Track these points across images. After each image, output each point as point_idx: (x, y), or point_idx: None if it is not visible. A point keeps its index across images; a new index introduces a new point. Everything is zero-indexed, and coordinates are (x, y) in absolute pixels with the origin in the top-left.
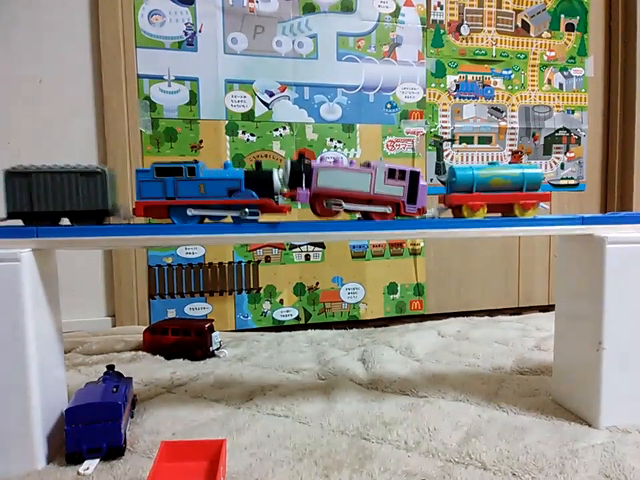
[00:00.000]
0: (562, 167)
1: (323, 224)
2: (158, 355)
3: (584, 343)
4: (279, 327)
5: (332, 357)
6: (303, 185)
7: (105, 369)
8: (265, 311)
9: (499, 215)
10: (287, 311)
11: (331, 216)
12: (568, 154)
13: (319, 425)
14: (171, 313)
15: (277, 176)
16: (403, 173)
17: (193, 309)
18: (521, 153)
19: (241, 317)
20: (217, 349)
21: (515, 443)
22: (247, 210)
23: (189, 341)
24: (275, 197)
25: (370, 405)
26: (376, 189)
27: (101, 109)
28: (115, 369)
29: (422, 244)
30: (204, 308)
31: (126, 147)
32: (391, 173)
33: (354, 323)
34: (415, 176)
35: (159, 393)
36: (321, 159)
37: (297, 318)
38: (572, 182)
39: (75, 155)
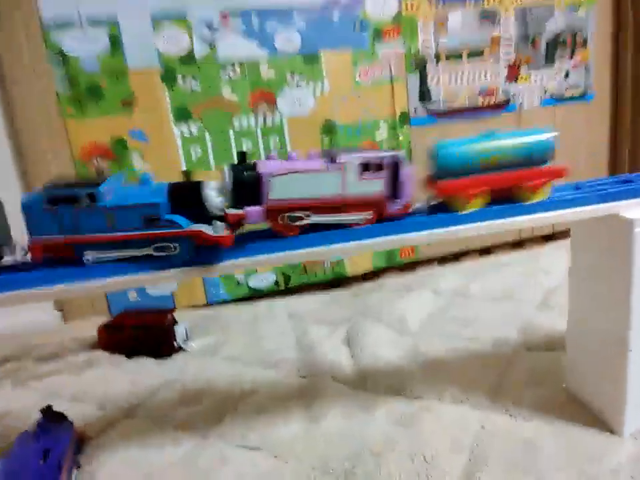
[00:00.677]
0: (566, 75)
1: (283, 243)
2: (117, 354)
3: (605, 336)
4: (255, 296)
5: (314, 339)
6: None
7: (42, 411)
8: (239, 279)
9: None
10: (263, 277)
11: (295, 233)
12: (573, 60)
13: (297, 460)
14: (132, 296)
15: (211, 190)
16: (379, 164)
17: (155, 287)
18: (519, 63)
19: (212, 289)
20: (184, 341)
21: (526, 471)
22: (172, 245)
23: (151, 337)
24: (211, 219)
25: (357, 420)
26: (349, 189)
27: (0, 71)
28: (53, 409)
29: None
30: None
31: (41, 113)
32: (365, 168)
33: (339, 281)
34: (397, 164)
35: (115, 419)
36: (269, 158)
37: (276, 283)
38: (578, 92)
39: None
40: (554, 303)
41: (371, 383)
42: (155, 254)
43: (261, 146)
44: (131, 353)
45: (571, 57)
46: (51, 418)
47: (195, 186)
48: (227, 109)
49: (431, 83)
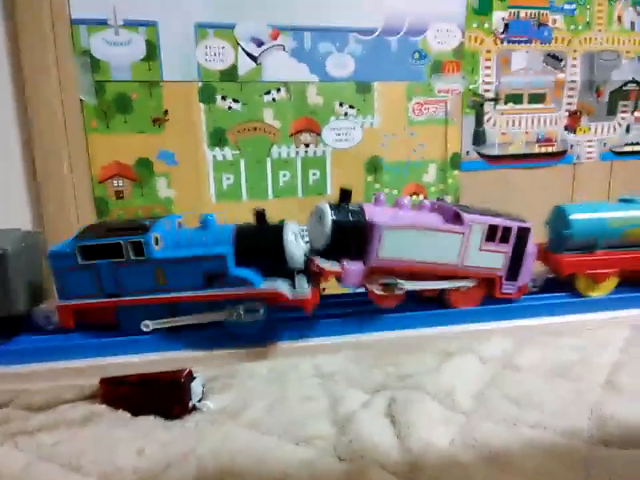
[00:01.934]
0: (627, 129)
1: (377, 320)
2: (121, 410)
3: None
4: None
5: (350, 408)
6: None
7: None
8: None
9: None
10: None
11: (390, 303)
12: (636, 113)
13: None
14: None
15: (292, 235)
16: (507, 231)
17: None
18: (580, 113)
19: None
20: (199, 401)
21: None
22: (240, 310)
23: (163, 394)
24: (297, 274)
25: None
26: (467, 259)
27: (18, 72)
28: None
29: None
30: None
31: (60, 126)
32: (491, 232)
33: None
34: (523, 235)
35: None
36: (376, 201)
37: None
38: (639, 148)
39: None
40: (620, 384)
41: (425, 477)
42: (217, 319)
43: (299, 178)
44: (137, 410)
45: (634, 110)
46: None
47: (274, 231)
48: (266, 135)
49: (487, 124)
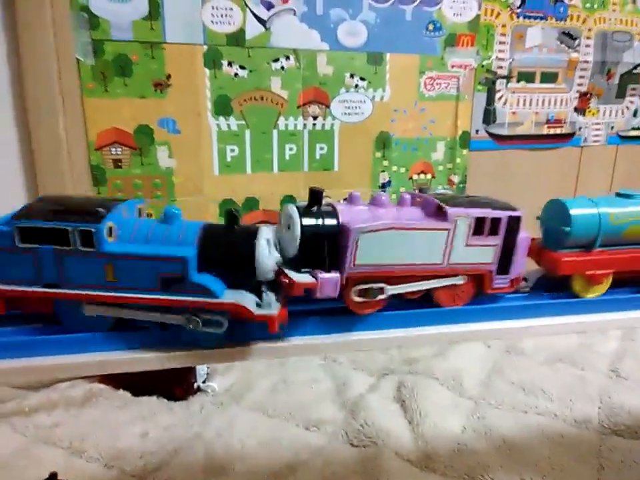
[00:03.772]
0: (635, 113)
1: (353, 322)
2: (121, 390)
3: None
4: None
5: (357, 391)
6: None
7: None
8: None
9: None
10: None
11: (370, 310)
12: None
13: None
14: None
15: (264, 243)
16: (496, 222)
17: None
18: (590, 95)
19: None
20: (204, 382)
21: None
22: (197, 319)
23: (167, 375)
24: (265, 286)
25: None
26: (453, 257)
27: (12, 27)
28: (58, 477)
29: None
30: None
31: (55, 86)
32: (479, 225)
33: None
34: (514, 225)
35: None
36: (351, 199)
37: None
38: None
39: None
40: (625, 372)
41: (440, 463)
42: (172, 322)
43: (306, 152)
44: (138, 391)
45: None
46: None
47: (245, 237)
48: (273, 105)
49: (498, 103)
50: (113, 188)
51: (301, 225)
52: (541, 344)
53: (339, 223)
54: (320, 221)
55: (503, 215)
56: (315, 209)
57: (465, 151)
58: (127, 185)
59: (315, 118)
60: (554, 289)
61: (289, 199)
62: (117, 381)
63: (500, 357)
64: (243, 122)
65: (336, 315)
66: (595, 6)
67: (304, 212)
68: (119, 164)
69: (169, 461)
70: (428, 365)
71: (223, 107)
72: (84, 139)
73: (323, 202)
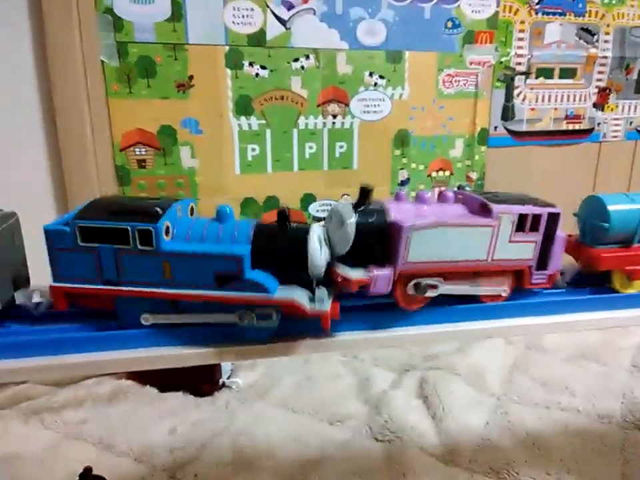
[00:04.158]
0: None
1: (401, 317)
2: (148, 387)
3: None
4: None
5: (380, 387)
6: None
7: (81, 476)
8: None
9: None
10: None
11: (418, 306)
12: None
13: None
14: None
15: (317, 242)
16: (537, 218)
17: None
18: (609, 90)
19: None
20: (228, 378)
21: None
22: (253, 314)
23: (192, 371)
24: (317, 284)
25: None
26: (496, 252)
27: (39, 30)
28: (93, 471)
29: None
30: None
31: (81, 88)
32: (521, 222)
33: None
34: (553, 221)
35: None
36: (397, 197)
37: None
38: None
39: (6, 104)
40: None
41: (465, 459)
42: (226, 320)
43: (326, 151)
44: (164, 388)
45: None
46: None
47: (298, 235)
48: (294, 104)
49: (516, 99)
50: (137, 188)
51: (354, 223)
52: (562, 340)
53: (389, 220)
54: (370, 219)
55: (544, 211)
56: (364, 206)
57: (483, 148)
58: (150, 185)
59: (334, 117)
60: (592, 284)
61: (309, 197)
62: (143, 377)
63: (521, 354)
64: (264, 121)
65: (378, 311)
66: (614, 1)
67: (355, 209)
68: (143, 164)
69: (197, 456)
70: (449, 361)
71: (244, 106)
72: (109, 139)
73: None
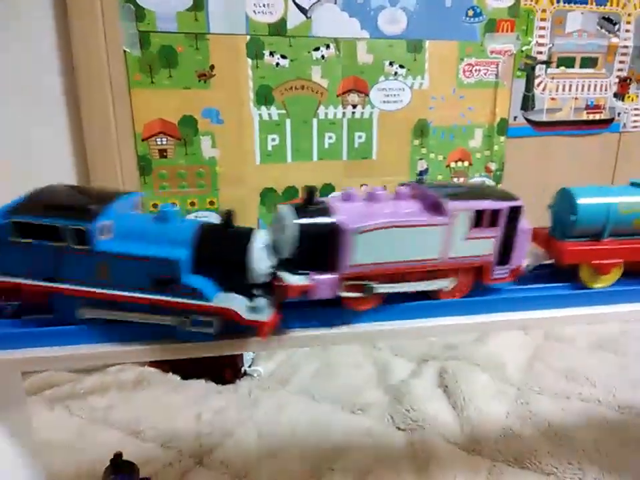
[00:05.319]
0: None
1: (347, 315)
2: (170, 374)
3: None
4: None
5: (399, 377)
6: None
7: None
8: None
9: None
10: None
11: (368, 307)
12: None
13: None
14: None
15: (258, 246)
16: (496, 213)
17: None
18: (630, 80)
19: None
20: (249, 366)
21: None
22: (188, 320)
23: (215, 359)
24: (257, 290)
25: None
26: (451, 250)
27: (63, 20)
28: (123, 457)
29: None
30: None
31: (105, 78)
32: (478, 218)
33: None
34: (515, 215)
35: (185, 469)
36: (346, 196)
37: None
38: None
39: (31, 94)
40: None
41: (488, 449)
42: (163, 322)
43: (345, 141)
44: (187, 374)
45: None
46: (120, 469)
47: (238, 239)
48: (314, 94)
49: (537, 89)
50: (159, 178)
51: (295, 225)
52: (581, 331)
53: (332, 221)
54: (314, 220)
55: (503, 205)
56: (309, 208)
57: (502, 138)
58: (171, 175)
59: (354, 106)
60: (562, 278)
61: (328, 187)
62: (167, 365)
63: (540, 344)
64: (284, 111)
65: (329, 307)
66: None
67: (298, 211)
68: (164, 154)
69: (223, 442)
70: (468, 351)
71: (264, 96)
72: (131, 129)
73: (318, 199)
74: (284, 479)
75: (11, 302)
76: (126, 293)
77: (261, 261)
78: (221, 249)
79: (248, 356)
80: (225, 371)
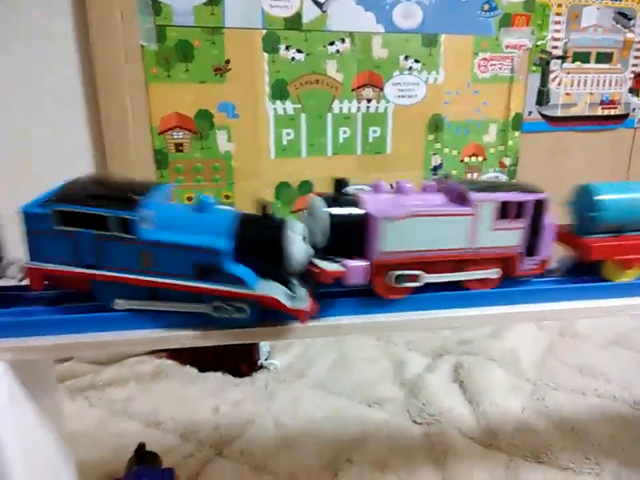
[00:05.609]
0: None
1: (381, 305)
2: (188, 367)
3: None
4: None
5: (415, 371)
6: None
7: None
8: None
9: None
10: None
11: (400, 295)
12: None
13: None
14: None
15: (295, 235)
16: (521, 205)
17: None
18: None
19: None
20: (266, 359)
21: None
22: (227, 307)
23: (232, 352)
24: (293, 278)
25: None
26: (479, 241)
27: (81, 14)
28: (146, 448)
29: None
30: None
31: (123, 72)
32: (505, 210)
33: None
34: (540, 207)
35: (206, 459)
36: (375, 188)
37: None
38: None
39: (51, 88)
40: None
41: (504, 443)
42: (202, 310)
43: (359, 135)
44: (204, 367)
45: None
46: (144, 460)
47: (278, 229)
48: (328, 88)
49: (552, 84)
50: (175, 171)
51: (329, 215)
52: (594, 326)
53: (363, 211)
54: (346, 211)
55: (528, 197)
56: (339, 197)
57: (517, 133)
58: (187, 169)
59: (368, 101)
60: (587, 274)
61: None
62: (184, 357)
63: (554, 339)
64: (299, 105)
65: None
66: None
67: (329, 200)
68: (180, 148)
69: (241, 434)
70: (483, 346)
71: (279, 91)
72: (148, 123)
73: (348, 191)
74: (302, 470)
75: (53, 289)
76: (170, 280)
77: (300, 250)
78: (262, 238)
79: (264, 348)
80: (242, 364)
